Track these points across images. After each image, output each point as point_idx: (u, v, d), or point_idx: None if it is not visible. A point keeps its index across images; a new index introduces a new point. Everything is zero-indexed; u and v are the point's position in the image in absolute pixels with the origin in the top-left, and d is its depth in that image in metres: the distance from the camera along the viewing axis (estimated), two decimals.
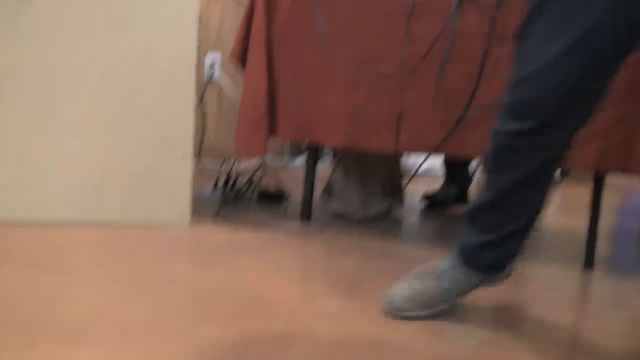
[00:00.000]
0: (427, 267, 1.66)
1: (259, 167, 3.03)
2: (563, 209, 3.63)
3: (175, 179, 2.30)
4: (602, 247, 2.47)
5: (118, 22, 2.21)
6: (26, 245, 2.00)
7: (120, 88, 2.24)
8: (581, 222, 2.40)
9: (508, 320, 1.66)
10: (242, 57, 2.49)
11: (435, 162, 4.02)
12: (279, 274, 1.89)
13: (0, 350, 1.31)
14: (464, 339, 1.49)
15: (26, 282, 1.70)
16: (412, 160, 4.03)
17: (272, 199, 2.85)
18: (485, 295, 1.75)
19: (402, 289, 1.60)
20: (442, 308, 1.60)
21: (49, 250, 1.97)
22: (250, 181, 2.94)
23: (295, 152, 4.20)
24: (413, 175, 2.81)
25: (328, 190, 2.77)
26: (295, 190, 2.88)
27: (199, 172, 3.21)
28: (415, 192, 3.39)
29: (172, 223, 2.31)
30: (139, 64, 2.24)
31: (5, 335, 1.39)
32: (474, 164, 3.33)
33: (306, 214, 2.52)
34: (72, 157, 2.23)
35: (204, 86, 3.75)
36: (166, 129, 2.28)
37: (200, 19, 2.66)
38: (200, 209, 2.50)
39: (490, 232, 1.56)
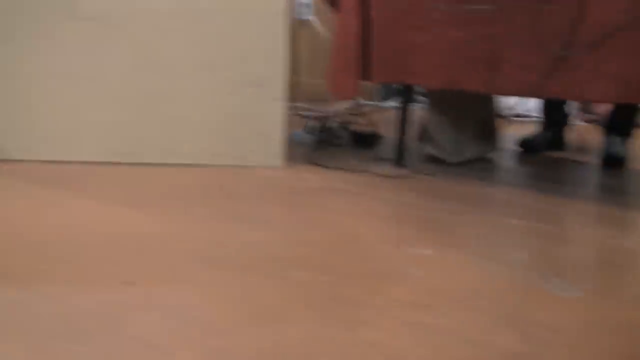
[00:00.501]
0: None
1: (352, 109, 3.00)
2: None
3: (268, 120, 2.31)
4: None
5: None
6: (128, 185, 2.06)
7: (213, 29, 2.24)
8: None
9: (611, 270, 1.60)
10: None
11: (531, 105, 3.89)
12: (372, 217, 1.88)
13: (100, 286, 1.36)
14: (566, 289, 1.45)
15: (122, 221, 1.75)
16: (508, 102, 3.92)
17: (365, 141, 2.82)
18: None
19: None
20: None
21: (145, 191, 2.02)
22: (342, 123, 2.92)
23: (387, 94, 4.14)
24: (508, 118, 2.73)
25: (421, 133, 2.73)
26: (389, 133, 2.84)
27: (292, 114, 3.22)
28: (510, 135, 3.30)
29: (265, 164, 2.32)
30: (231, 5, 2.23)
31: (105, 271, 1.43)
32: (570, 107, 3.21)
33: (399, 157, 2.49)
34: (168, 97, 2.26)
35: (296, 27, 3.73)
36: (259, 70, 2.28)
37: None
38: (294, 150, 2.50)
39: None
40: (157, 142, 2.29)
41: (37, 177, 2.10)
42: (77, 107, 2.26)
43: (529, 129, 3.25)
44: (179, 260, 1.50)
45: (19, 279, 1.39)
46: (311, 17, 3.88)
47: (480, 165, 2.62)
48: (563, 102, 3.10)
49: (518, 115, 3.98)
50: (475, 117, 2.69)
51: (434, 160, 2.64)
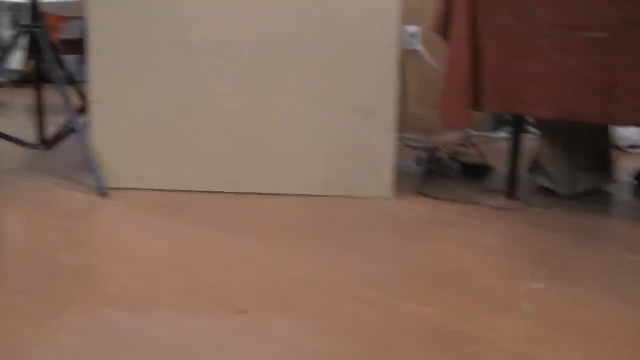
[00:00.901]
0: None
1: (462, 140, 2.98)
2: None
3: (378, 151, 2.33)
4: None
5: None
6: (240, 215, 2.12)
7: (324, 60, 2.29)
8: None
9: None
10: (443, 28, 2.45)
11: None
12: (483, 249, 1.87)
13: (212, 314, 1.40)
14: None
15: (235, 249, 1.80)
16: (624, 133, 3.79)
17: (475, 172, 2.80)
18: None
19: None
20: None
21: (256, 220, 2.07)
22: (452, 154, 2.91)
23: (498, 124, 4.09)
24: (624, 149, 2.65)
25: (534, 165, 2.68)
26: (499, 164, 2.81)
27: (400, 145, 3.23)
28: (626, 168, 3.19)
29: (375, 195, 2.34)
30: (343, 35, 2.28)
31: (214, 300, 1.48)
32: None
33: (511, 189, 2.46)
34: (278, 128, 2.32)
35: (405, 58, 3.74)
36: (369, 101, 2.31)
37: None
38: (403, 181, 2.51)
39: None
40: (267, 172, 2.34)
41: (149, 206, 2.20)
42: (189, 137, 2.35)
43: None
44: (291, 289, 1.53)
45: (133, 305, 1.46)
46: (419, 48, 3.89)
47: (594, 198, 2.55)
48: None
49: (634, 147, 3.84)
50: (589, 148, 2.62)
51: (546, 192, 2.58)
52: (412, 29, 3.82)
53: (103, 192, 2.28)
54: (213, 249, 1.80)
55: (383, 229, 2.04)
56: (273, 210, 2.17)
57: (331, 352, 1.24)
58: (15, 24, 6.01)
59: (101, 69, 2.34)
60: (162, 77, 2.32)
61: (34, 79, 2.73)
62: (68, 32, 5.95)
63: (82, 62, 5.94)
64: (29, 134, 2.78)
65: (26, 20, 3.29)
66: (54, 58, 2.56)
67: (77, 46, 5.96)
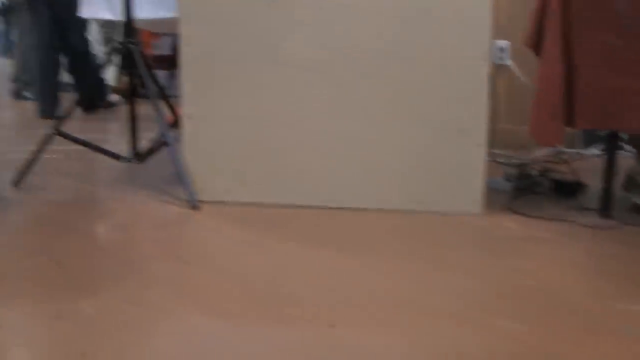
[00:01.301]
0: None
1: (553, 156, 2.92)
2: None
3: (469, 167, 2.30)
4: None
5: (420, 10, 2.25)
6: (329, 229, 2.13)
7: (415, 76, 2.28)
8: None
9: None
10: (535, 43, 2.41)
11: None
12: (576, 269, 1.82)
13: (303, 327, 1.41)
14: None
15: (324, 264, 1.81)
16: None
17: (567, 190, 2.73)
18: None
19: None
20: None
21: (345, 234, 2.07)
22: (542, 171, 2.85)
23: (589, 140, 3.99)
24: None
25: (628, 182, 2.60)
26: (592, 181, 2.73)
27: (490, 161, 3.18)
28: None
29: (464, 211, 2.31)
30: (434, 50, 2.27)
31: (302, 313, 1.49)
32: None
33: (605, 206, 2.38)
34: (368, 143, 2.32)
35: (494, 72, 3.69)
36: (461, 117, 2.29)
37: None
38: (492, 198, 2.47)
39: None
40: (357, 187, 2.35)
41: (239, 219, 2.23)
42: (279, 151, 2.37)
43: None
44: (383, 305, 1.53)
45: (224, 316, 1.48)
46: (508, 62, 3.84)
47: None
48: None
49: None
50: None
51: None
52: (501, 43, 3.77)
53: (194, 204, 2.33)
54: (302, 263, 1.81)
55: (473, 246, 2.01)
56: (362, 224, 2.17)
57: None
58: (107, 40, 6.21)
59: (193, 84, 2.40)
60: (253, 92, 2.35)
61: (128, 94, 2.81)
62: (159, 48, 6.12)
63: (172, 77, 6.12)
64: (122, 147, 2.86)
65: (119, 37, 3.41)
66: (148, 73, 2.63)
67: (168, 62, 6.14)
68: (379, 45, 2.28)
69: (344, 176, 2.34)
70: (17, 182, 2.68)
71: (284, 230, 2.11)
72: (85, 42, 5.23)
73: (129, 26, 2.71)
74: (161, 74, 5.55)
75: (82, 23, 4.87)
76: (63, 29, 4.90)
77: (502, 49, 3.80)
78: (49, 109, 4.86)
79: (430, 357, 1.28)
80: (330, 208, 2.33)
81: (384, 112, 2.31)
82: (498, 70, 3.78)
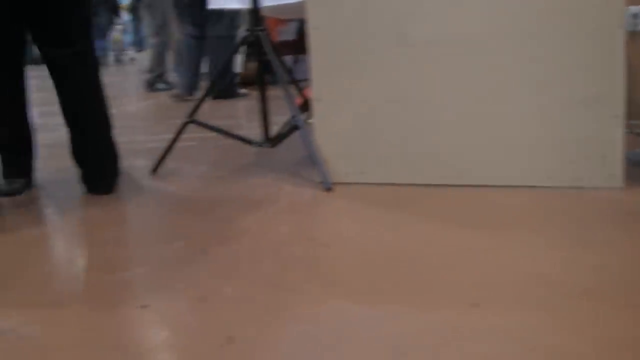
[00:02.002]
0: None
1: None
2: None
3: (605, 139, 2.20)
4: None
5: None
6: (462, 207, 2.09)
7: (544, 48, 2.20)
8: None
9: None
10: None
11: None
12: None
13: (444, 307, 1.39)
14: None
15: (462, 243, 1.78)
16: None
17: None
18: None
19: None
20: None
21: (481, 212, 2.03)
22: None
23: None
24: None
25: None
26: None
27: (629, 132, 3.03)
28: None
29: (602, 186, 2.22)
30: (566, 21, 2.17)
31: (448, 292, 1.46)
32: None
33: None
34: (501, 119, 2.26)
35: (627, 40, 3.50)
36: (594, 87, 2.19)
37: None
38: (631, 171, 2.36)
39: None
40: (488, 164, 2.29)
41: (372, 200, 2.22)
42: (411, 131, 2.35)
43: None
44: (524, 284, 1.49)
45: (362, 297, 1.48)
46: None
47: None
48: None
49: None
50: None
51: None
52: (634, 9, 3.58)
53: (327, 186, 2.35)
54: (439, 242, 1.79)
55: (615, 221, 1.92)
56: (498, 202, 2.12)
57: (566, 350, 1.19)
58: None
59: (322, 67, 2.41)
60: (382, 73, 2.34)
61: (257, 80, 2.86)
62: (284, 34, 6.21)
63: (296, 62, 6.20)
64: (253, 132, 2.92)
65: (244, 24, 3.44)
66: (276, 59, 2.67)
67: (293, 47, 6.22)
68: (509, 19, 2.20)
69: (474, 153, 2.30)
70: (155, 169, 2.79)
71: (419, 210, 2.09)
72: (229, 29, 5.45)
73: (256, 13, 2.75)
74: (286, 59, 5.63)
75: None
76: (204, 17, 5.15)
77: (635, 15, 3.60)
78: (189, 89, 5.26)
79: (578, 338, 1.24)
80: (465, 186, 2.29)
81: (514, 86, 2.24)
82: (631, 37, 3.59)
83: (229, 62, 3.94)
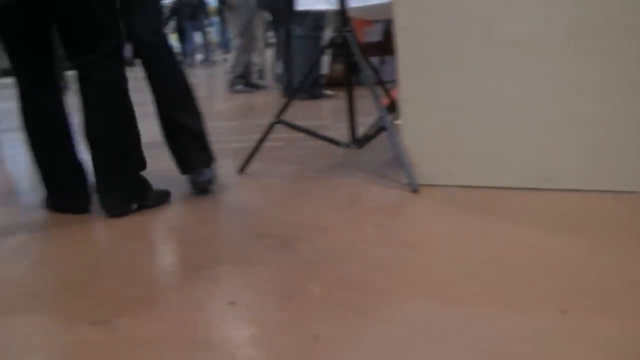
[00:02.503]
0: None
1: None
2: None
3: None
4: None
5: None
6: (551, 211, 2.04)
7: (637, 46, 2.11)
8: None
9: None
10: None
11: None
12: None
13: (533, 313, 1.36)
14: None
15: (551, 247, 1.73)
16: None
17: None
18: None
19: None
20: None
21: (570, 217, 1.97)
22: None
23: None
24: None
25: None
26: None
27: None
28: None
29: None
30: None
31: (537, 297, 1.43)
32: None
33: None
34: (589, 121, 2.18)
35: None
36: None
37: None
38: None
39: None
40: (580, 167, 2.22)
41: (459, 202, 2.19)
42: (499, 132, 2.30)
43: None
44: (616, 291, 1.44)
45: (451, 300, 1.46)
46: None
47: None
48: None
49: None
50: None
51: None
52: None
53: (414, 188, 2.33)
54: (528, 246, 1.75)
55: None
56: (587, 206, 2.06)
57: None
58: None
59: (409, 68, 2.39)
60: (470, 73, 2.30)
61: (344, 81, 2.86)
62: (370, 35, 6.20)
63: (382, 63, 6.18)
64: (339, 133, 2.93)
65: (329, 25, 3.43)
66: (364, 60, 2.66)
67: (379, 48, 6.20)
68: (597, 19, 2.13)
69: (566, 157, 2.23)
70: (242, 168, 2.83)
71: (507, 213, 2.05)
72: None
73: (344, 15, 2.75)
74: (373, 61, 5.62)
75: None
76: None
77: None
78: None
79: None
80: (553, 190, 2.23)
81: (607, 88, 2.16)
82: None
83: (315, 63, 3.96)
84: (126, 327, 1.45)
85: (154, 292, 1.66)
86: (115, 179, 2.32)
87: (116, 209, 2.31)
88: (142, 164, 2.40)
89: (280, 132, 2.83)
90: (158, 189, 2.43)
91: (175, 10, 14.03)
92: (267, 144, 2.82)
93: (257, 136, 2.83)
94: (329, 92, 5.63)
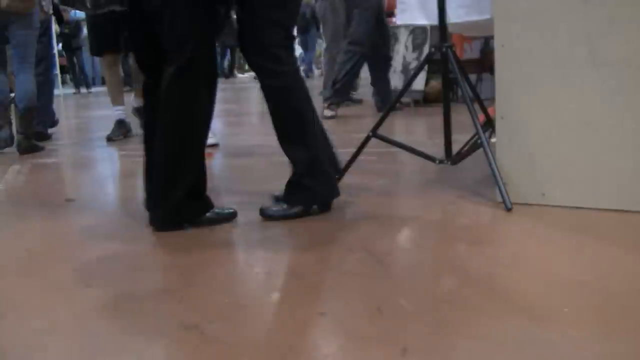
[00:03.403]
0: None
1: None
2: None
3: None
4: None
5: None
6: (637, 233, 1.98)
7: None
8: None
9: None
10: None
11: None
12: None
13: (625, 340, 1.32)
14: None
15: None
16: None
17: None
18: None
19: None
20: None
21: None
22: None
23: None
24: None
25: None
26: None
27: None
28: None
29: None
30: None
31: (627, 324, 1.39)
32: None
33: None
34: None
35: None
36: None
37: None
38: None
39: None
40: None
41: (553, 222, 2.15)
42: (596, 154, 2.24)
43: None
44: None
45: (544, 321, 1.43)
46: None
47: None
48: None
49: None
50: None
51: None
52: None
53: (508, 206, 2.30)
54: (624, 270, 1.70)
55: None
56: None
57: None
58: (416, 47, 6.38)
59: (507, 84, 2.37)
60: (569, 92, 2.26)
61: (442, 96, 2.85)
62: (469, 52, 6.16)
63: (479, 80, 6.12)
64: (432, 149, 2.92)
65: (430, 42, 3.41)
66: (462, 76, 2.65)
67: (477, 65, 6.15)
68: None
69: None
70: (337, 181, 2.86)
71: (602, 235, 2.00)
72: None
73: (444, 30, 2.75)
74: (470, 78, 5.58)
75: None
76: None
77: None
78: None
79: None
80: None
81: None
82: None
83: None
84: (216, 333, 1.48)
85: (246, 298, 1.69)
86: None
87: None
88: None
89: (374, 145, 2.85)
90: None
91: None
92: (361, 157, 2.84)
93: (352, 149, 2.85)
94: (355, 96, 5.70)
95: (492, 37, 2.43)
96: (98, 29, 4.81)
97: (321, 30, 8.20)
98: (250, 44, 2.32)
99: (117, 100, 5.10)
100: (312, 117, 2.35)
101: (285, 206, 2.36)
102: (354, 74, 5.61)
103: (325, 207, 2.42)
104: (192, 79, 2.22)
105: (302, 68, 16.79)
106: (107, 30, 4.60)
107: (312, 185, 2.35)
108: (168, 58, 2.22)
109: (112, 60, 5.01)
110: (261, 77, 2.33)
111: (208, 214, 2.35)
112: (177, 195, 2.26)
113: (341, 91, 5.61)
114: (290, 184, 2.38)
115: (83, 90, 14.18)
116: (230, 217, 2.40)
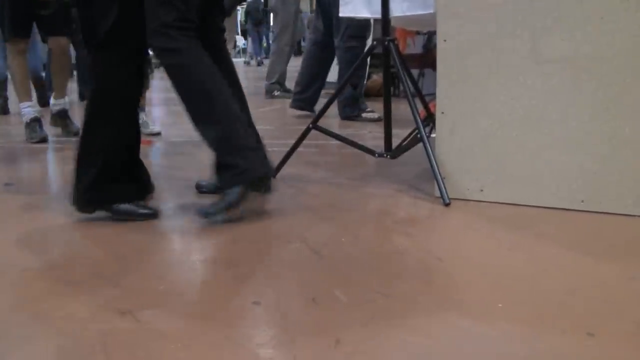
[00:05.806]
0: None
1: None
2: None
3: None
4: None
5: None
6: (581, 233, 2.01)
7: None
8: None
9: None
10: None
11: None
12: None
13: (559, 333, 1.34)
14: None
15: (582, 269, 1.72)
16: None
17: None
18: None
19: None
20: None
21: (605, 240, 1.94)
22: None
23: None
24: None
25: None
26: None
27: None
28: None
29: None
30: None
31: (565, 319, 1.41)
32: None
33: None
34: (633, 143, 2.15)
35: None
36: None
37: None
38: None
39: None
40: (619, 191, 2.19)
41: (490, 218, 2.18)
42: (536, 151, 2.28)
43: None
44: None
45: (477, 314, 1.44)
46: None
47: None
48: None
49: None
50: None
51: None
52: None
53: (445, 201, 2.32)
54: (558, 267, 1.73)
55: None
56: (624, 231, 2.03)
57: None
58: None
59: (449, 80, 2.38)
60: (510, 89, 2.29)
61: (383, 91, 2.86)
62: (412, 47, 6.20)
63: (421, 75, 6.16)
64: (373, 143, 2.92)
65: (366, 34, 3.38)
66: (404, 71, 2.66)
67: (419, 60, 6.18)
68: None
69: (605, 178, 2.20)
70: (275, 172, 2.84)
71: (538, 232, 2.03)
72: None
73: (386, 24, 2.75)
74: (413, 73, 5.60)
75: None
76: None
77: None
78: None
79: None
80: (588, 212, 2.20)
81: None
82: None
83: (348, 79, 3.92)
84: (150, 319, 1.46)
85: (179, 286, 1.67)
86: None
87: None
88: None
89: (315, 137, 2.84)
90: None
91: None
92: (301, 149, 2.83)
93: (292, 141, 2.83)
94: (369, 112, 5.23)
95: (435, 33, 2.44)
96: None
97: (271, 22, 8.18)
98: (146, 27, 2.28)
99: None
100: (220, 93, 2.25)
101: (221, 198, 2.29)
102: (362, 66, 5.17)
103: (261, 186, 2.31)
104: (110, 54, 2.24)
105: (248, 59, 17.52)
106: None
107: (234, 162, 2.22)
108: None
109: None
110: (160, 59, 2.29)
111: (128, 205, 2.29)
112: (91, 174, 2.24)
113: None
114: (216, 168, 2.31)
115: None
116: (148, 216, 2.31)
